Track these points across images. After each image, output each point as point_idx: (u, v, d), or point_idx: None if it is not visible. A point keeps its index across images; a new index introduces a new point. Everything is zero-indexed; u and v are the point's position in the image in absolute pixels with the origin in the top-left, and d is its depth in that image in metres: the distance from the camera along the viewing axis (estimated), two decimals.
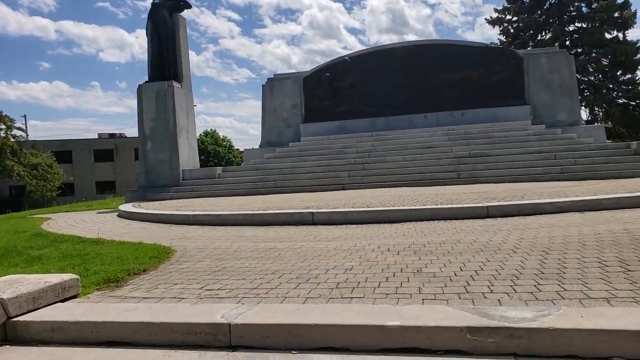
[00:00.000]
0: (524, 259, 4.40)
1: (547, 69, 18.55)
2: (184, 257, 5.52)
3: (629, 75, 30.36)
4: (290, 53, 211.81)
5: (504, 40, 32.79)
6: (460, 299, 3.33)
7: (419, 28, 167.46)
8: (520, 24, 32.90)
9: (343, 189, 14.43)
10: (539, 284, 3.53)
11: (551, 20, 32.37)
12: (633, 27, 30.06)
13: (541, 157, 14.70)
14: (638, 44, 29.65)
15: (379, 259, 4.77)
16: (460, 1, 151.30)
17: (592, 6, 30.57)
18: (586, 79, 29.25)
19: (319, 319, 2.96)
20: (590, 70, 30.56)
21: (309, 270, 4.43)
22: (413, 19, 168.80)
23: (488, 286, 3.57)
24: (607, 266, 3.94)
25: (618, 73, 30.38)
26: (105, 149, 47.61)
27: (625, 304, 3.00)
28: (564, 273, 3.80)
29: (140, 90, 16.58)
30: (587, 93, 30.50)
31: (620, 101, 30.12)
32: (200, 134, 50.46)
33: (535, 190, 9.85)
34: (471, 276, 3.89)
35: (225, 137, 52.29)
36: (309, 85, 20.06)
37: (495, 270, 4.03)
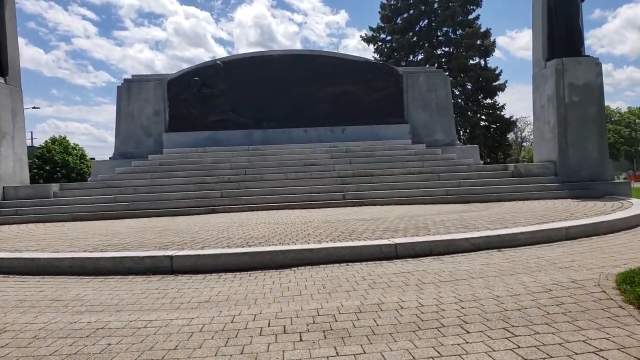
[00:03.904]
0: (490, 349, 2.92)
1: (426, 88, 18.48)
2: None
3: (489, 100, 32.55)
4: (154, 58, 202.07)
5: (379, 58, 33.20)
6: None
7: (287, 44, 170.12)
8: (394, 44, 33.67)
9: (214, 212, 12.34)
10: None
11: (421, 43, 33.61)
12: (492, 55, 32.44)
13: (424, 177, 14.12)
14: (497, 71, 31.99)
15: (274, 357, 2.96)
16: (325, 23, 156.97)
17: (458, 32, 32.32)
18: (453, 101, 30.59)
19: None
20: (457, 93, 32.18)
21: None
22: (281, 34, 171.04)
23: None
24: None
25: (480, 97, 32.42)
26: None
27: None
28: None
29: None
30: (454, 115, 32.02)
31: (482, 124, 32.13)
32: (47, 141, 44.22)
33: (434, 219, 8.81)
34: None
35: (77, 145, 45.97)
36: (174, 89, 17.60)
37: None
